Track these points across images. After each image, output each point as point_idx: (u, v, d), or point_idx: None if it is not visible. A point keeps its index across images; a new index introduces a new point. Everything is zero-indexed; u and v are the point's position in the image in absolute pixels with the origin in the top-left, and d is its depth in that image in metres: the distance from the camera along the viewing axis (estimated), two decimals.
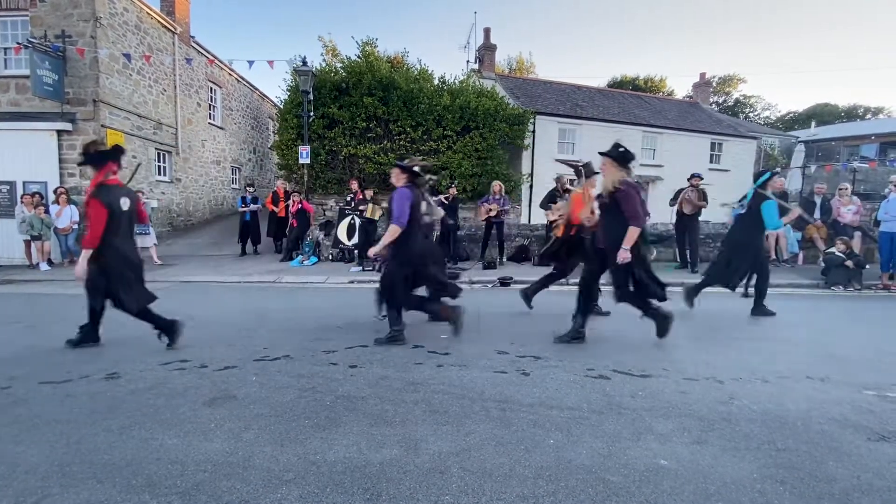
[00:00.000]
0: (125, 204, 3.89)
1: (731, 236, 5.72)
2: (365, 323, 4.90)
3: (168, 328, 4.05)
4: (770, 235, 6.75)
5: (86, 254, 3.72)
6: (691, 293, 5.58)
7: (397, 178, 4.20)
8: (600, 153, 4.10)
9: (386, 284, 4.18)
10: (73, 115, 10.79)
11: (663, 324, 4.12)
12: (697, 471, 2.13)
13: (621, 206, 3.87)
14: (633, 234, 3.81)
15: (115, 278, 3.81)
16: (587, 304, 4.31)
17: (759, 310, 5.46)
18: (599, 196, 4.15)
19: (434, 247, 5.11)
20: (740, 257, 5.44)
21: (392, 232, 3.98)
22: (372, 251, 4.23)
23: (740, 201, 5.77)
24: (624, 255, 3.83)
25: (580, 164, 5.35)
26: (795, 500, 1.92)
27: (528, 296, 5.60)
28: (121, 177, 4.08)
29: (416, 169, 4.22)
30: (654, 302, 4.11)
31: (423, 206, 4.33)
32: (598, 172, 5.14)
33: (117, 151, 4.02)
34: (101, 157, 3.91)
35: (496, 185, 9.90)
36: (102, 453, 2.29)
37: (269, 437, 2.45)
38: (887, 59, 67.93)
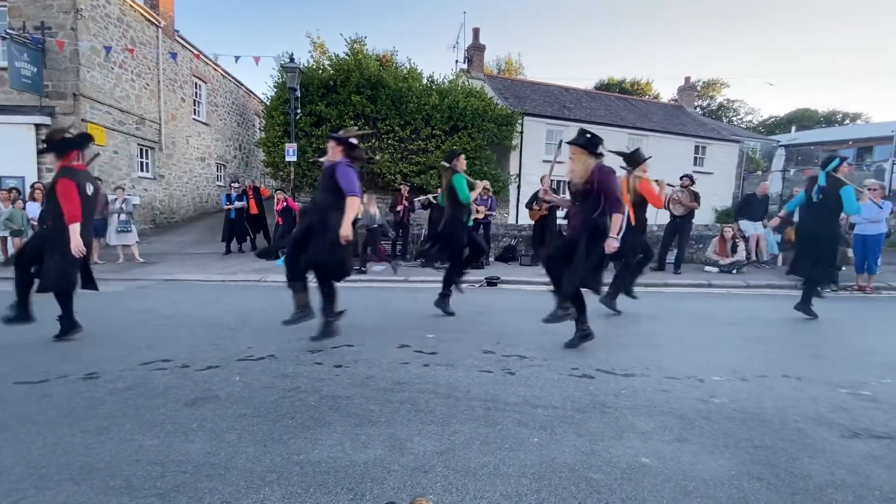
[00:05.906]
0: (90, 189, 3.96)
1: (807, 230, 5.32)
2: (350, 322, 4.87)
3: None
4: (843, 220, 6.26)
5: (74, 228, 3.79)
6: (806, 308, 5.27)
7: (333, 152, 3.98)
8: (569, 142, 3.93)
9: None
10: (52, 108, 10.54)
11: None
12: (678, 468, 2.17)
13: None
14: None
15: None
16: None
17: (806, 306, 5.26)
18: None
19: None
20: (828, 249, 5.15)
21: (352, 205, 3.79)
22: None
23: (816, 192, 5.12)
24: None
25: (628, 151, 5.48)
26: (772, 495, 1.97)
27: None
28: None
29: (353, 140, 3.98)
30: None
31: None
32: (648, 158, 5.35)
33: (83, 139, 4.09)
34: (65, 144, 3.95)
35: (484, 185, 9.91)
36: (80, 454, 2.24)
37: (252, 437, 2.43)
38: (867, 66, 69.89)
